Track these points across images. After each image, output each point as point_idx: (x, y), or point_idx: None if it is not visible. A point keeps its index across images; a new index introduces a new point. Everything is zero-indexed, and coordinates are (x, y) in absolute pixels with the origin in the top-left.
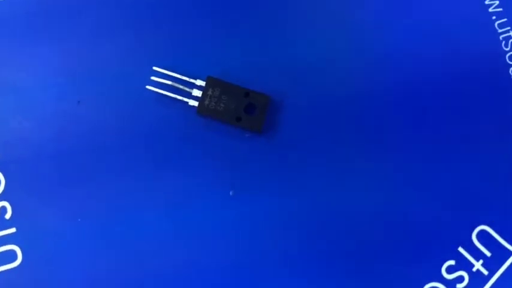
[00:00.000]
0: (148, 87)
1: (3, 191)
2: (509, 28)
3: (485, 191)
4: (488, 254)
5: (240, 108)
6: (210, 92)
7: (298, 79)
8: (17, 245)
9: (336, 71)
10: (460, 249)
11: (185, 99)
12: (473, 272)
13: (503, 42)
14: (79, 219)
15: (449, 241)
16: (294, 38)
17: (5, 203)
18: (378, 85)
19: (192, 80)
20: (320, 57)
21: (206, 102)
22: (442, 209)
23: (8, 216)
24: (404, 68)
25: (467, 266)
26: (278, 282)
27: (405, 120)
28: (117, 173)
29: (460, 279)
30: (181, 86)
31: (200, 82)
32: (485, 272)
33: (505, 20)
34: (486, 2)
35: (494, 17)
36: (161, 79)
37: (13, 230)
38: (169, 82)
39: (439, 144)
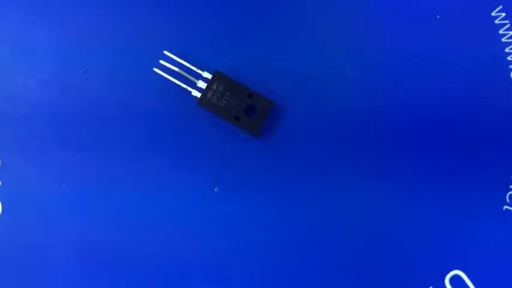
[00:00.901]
0: (155, 69)
1: None
2: None
3: (463, 236)
4: None
5: (241, 108)
6: (214, 86)
7: (304, 89)
8: None
9: (344, 88)
10: None
11: (189, 89)
12: None
13: None
14: (63, 186)
15: (421, 283)
16: (309, 48)
17: None
18: (381, 106)
19: (199, 71)
20: (331, 72)
21: (209, 95)
22: (417, 250)
23: None
24: (409, 86)
25: None
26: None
27: (397, 143)
28: (109, 147)
29: None
30: (187, 75)
31: (207, 74)
32: None
33: None
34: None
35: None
36: (169, 64)
37: None
38: (176, 69)
39: (424, 181)
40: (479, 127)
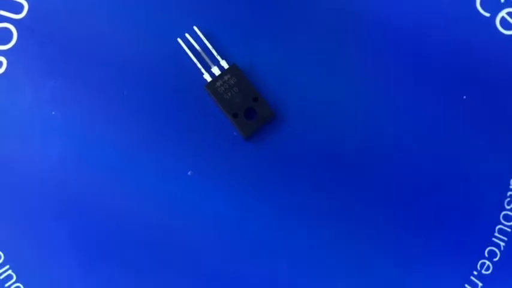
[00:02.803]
0: (179, 40)
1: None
2: None
3: None
4: None
5: (242, 108)
6: (226, 77)
7: (313, 111)
8: None
9: (352, 117)
10: None
11: (203, 70)
12: None
13: None
14: (53, 112)
15: None
16: (339, 77)
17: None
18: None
19: (218, 58)
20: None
21: (218, 83)
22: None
23: None
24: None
25: None
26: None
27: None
28: (104, 95)
29: None
30: (206, 57)
31: (224, 64)
32: None
33: None
34: None
35: None
36: (193, 41)
37: None
38: (198, 48)
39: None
40: None
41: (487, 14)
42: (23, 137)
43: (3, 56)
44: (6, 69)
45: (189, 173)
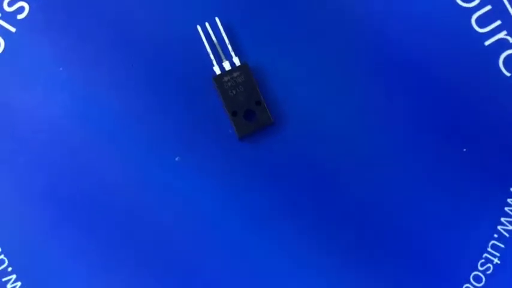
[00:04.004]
0: (198, 27)
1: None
2: None
3: None
4: None
5: (243, 108)
6: (235, 74)
7: (310, 123)
8: None
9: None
10: None
11: (214, 62)
12: None
13: None
14: (61, 68)
15: None
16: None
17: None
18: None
19: (232, 53)
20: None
21: (225, 79)
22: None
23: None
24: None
25: None
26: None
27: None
28: (112, 62)
29: None
30: (220, 51)
31: (237, 61)
32: None
33: None
34: None
35: None
36: (211, 31)
37: None
38: (214, 39)
39: None
40: None
41: (508, 74)
42: (28, 86)
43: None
44: (29, 12)
45: (176, 158)
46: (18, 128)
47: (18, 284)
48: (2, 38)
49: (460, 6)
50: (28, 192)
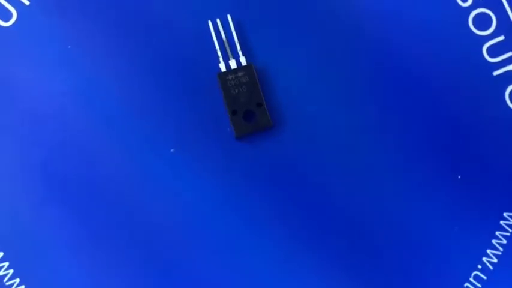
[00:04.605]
0: (210, 22)
1: None
2: None
3: None
4: None
5: (243, 108)
6: (239, 74)
7: (310, 130)
8: None
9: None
10: None
11: (220, 59)
12: None
13: None
14: (69, 46)
15: None
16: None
17: None
18: None
19: (240, 53)
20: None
21: (230, 77)
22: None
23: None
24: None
25: None
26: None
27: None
28: (120, 45)
29: None
30: (228, 49)
31: (243, 60)
32: None
33: None
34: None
35: None
36: (222, 28)
37: None
38: (224, 37)
39: None
40: None
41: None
42: (35, 60)
43: None
44: None
45: (171, 150)
46: (19, 99)
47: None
48: (15, 9)
49: (474, 33)
50: (20, 164)
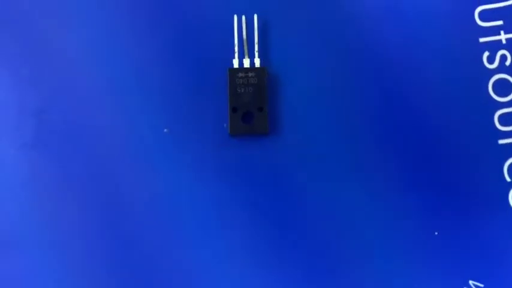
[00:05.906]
0: (235, 17)
1: None
2: None
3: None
4: None
5: (244, 108)
6: (250, 74)
7: (307, 139)
8: None
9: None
10: None
11: (235, 55)
12: None
13: None
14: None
15: None
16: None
17: None
18: None
19: (256, 54)
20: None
21: (239, 75)
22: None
23: None
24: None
25: None
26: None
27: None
28: (141, 24)
29: None
30: (246, 47)
31: (257, 62)
32: None
33: None
34: None
35: None
36: (245, 26)
37: None
38: (244, 35)
39: None
40: None
41: None
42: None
43: None
44: None
45: (165, 130)
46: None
47: None
48: None
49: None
50: (18, 107)
